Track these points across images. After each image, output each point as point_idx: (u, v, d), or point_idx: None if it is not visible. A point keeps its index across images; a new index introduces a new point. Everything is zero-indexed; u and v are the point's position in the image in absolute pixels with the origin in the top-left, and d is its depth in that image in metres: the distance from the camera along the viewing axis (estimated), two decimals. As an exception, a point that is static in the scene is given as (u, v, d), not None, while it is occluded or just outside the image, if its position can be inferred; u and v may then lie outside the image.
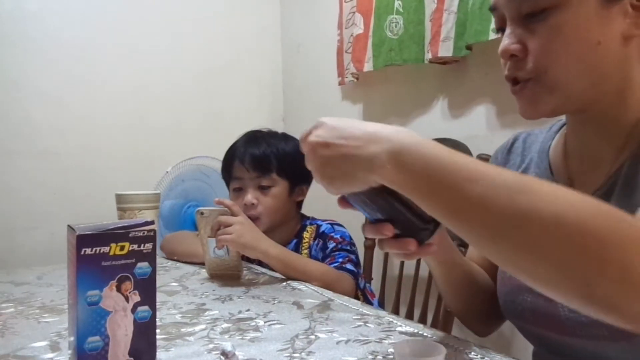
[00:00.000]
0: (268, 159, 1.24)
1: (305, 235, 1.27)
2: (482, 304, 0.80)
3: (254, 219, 1.16)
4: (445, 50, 1.35)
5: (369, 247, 1.54)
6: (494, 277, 0.82)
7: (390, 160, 0.50)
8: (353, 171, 0.53)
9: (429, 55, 1.42)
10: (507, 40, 0.62)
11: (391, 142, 0.50)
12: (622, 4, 0.58)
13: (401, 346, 0.54)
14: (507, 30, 0.63)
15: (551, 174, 0.72)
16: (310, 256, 1.23)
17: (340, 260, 1.15)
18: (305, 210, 1.39)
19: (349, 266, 1.14)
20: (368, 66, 1.62)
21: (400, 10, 1.51)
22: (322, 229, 1.26)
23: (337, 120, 0.55)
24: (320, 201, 1.78)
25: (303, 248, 1.24)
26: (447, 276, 0.77)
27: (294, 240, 1.28)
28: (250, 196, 1.23)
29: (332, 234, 1.23)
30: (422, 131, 1.47)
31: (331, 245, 1.20)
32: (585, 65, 0.60)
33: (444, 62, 1.41)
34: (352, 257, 1.18)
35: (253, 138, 1.29)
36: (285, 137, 1.32)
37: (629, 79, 0.62)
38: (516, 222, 0.44)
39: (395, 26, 1.52)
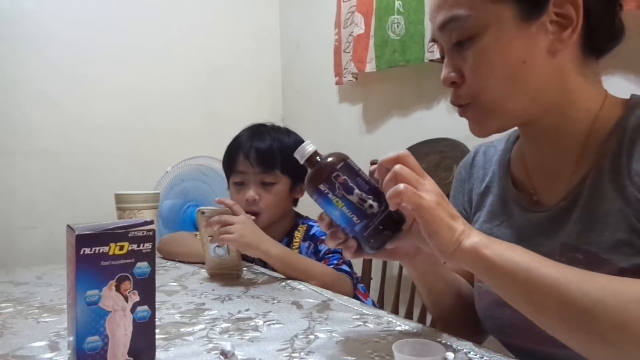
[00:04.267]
0: (273, 155, 1.23)
1: (297, 234, 1.27)
2: (465, 316, 0.80)
3: (254, 215, 1.16)
4: None
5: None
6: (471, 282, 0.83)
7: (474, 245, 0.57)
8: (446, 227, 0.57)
9: (430, 55, 1.41)
10: (445, 70, 0.67)
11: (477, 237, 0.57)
12: (541, 22, 0.61)
13: (401, 346, 0.54)
14: (445, 60, 0.68)
15: (514, 187, 0.74)
16: None
17: (335, 262, 1.15)
18: (301, 209, 1.39)
19: (344, 267, 1.14)
20: (370, 67, 1.62)
21: (401, 10, 1.51)
22: (312, 230, 1.25)
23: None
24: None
25: (294, 247, 1.24)
26: (428, 287, 0.77)
27: (285, 239, 1.27)
28: (252, 192, 1.22)
29: (323, 237, 1.22)
30: (422, 131, 1.48)
31: (323, 248, 1.20)
32: (516, 83, 0.62)
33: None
34: (346, 259, 1.17)
35: (258, 132, 1.27)
36: (287, 132, 1.32)
37: (567, 90, 0.64)
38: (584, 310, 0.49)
39: (397, 27, 1.52)
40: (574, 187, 0.65)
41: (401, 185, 0.56)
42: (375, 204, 0.62)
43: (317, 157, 0.65)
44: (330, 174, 0.62)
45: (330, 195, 0.62)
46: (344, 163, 0.63)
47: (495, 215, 0.76)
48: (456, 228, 0.57)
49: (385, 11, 1.56)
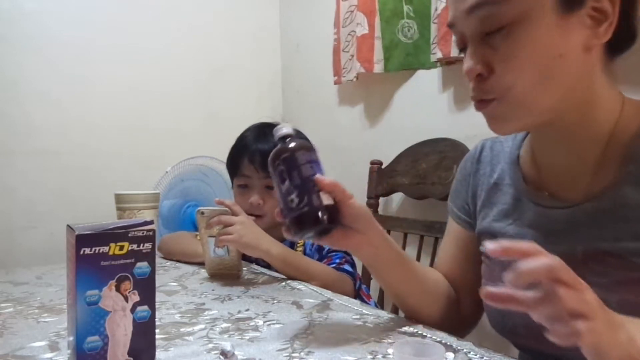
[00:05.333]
0: None
1: None
2: (435, 309, 0.80)
3: (258, 217, 1.16)
4: (458, 50, 1.33)
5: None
6: (464, 287, 0.83)
7: None
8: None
9: (435, 55, 1.41)
10: (470, 61, 0.62)
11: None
12: (580, 15, 0.58)
13: (401, 346, 0.54)
14: (469, 50, 0.63)
15: (525, 184, 0.73)
16: (305, 255, 1.23)
17: (337, 261, 1.15)
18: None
19: (346, 267, 1.14)
20: (378, 67, 1.62)
21: (412, 14, 1.54)
22: None
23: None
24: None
25: (298, 246, 1.24)
26: (385, 277, 0.79)
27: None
28: (256, 196, 1.22)
29: None
30: (422, 131, 1.48)
31: (327, 246, 1.20)
32: (550, 78, 0.59)
33: (448, 62, 1.40)
34: (349, 257, 1.17)
35: (263, 134, 1.25)
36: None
37: (592, 90, 0.62)
38: None
39: (409, 30, 1.54)
40: (602, 192, 0.63)
41: (580, 326, 0.45)
42: (296, 200, 0.67)
43: (286, 139, 0.72)
44: (275, 161, 0.71)
45: (273, 178, 0.72)
46: (288, 154, 0.70)
47: (508, 214, 0.74)
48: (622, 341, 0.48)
49: (393, 14, 1.56)
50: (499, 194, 0.77)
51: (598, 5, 0.58)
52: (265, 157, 1.22)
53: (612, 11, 0.58)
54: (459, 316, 0.83)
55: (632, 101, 0.65)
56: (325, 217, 0.68)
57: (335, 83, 1.82)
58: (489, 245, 0.48)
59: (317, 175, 0.69)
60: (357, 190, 1.67)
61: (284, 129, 0.73)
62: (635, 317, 0.53)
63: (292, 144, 0.71)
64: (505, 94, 0.61)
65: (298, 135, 1.21)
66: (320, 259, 1.18)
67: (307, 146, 0.72)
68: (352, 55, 1.69)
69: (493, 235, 0.76)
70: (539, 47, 0.58)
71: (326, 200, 0.68)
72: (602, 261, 0.62)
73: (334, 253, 1.17)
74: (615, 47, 0.62)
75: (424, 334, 0.72)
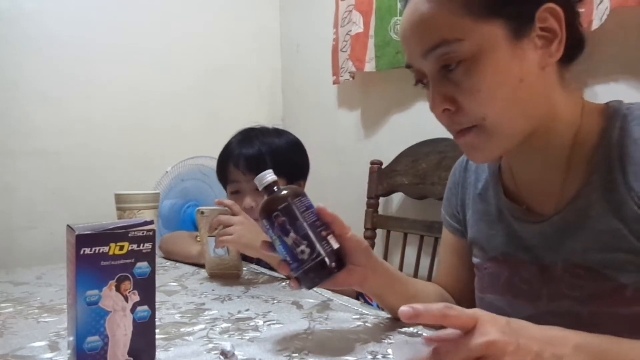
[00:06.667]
0: (262, 160, 1.21)
1: None
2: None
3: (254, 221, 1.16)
4: None
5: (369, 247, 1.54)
6: (466, 295, 0.84)
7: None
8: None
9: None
10: (435, 99, 0.63)
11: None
12: (530, 38, 0.59)
13: (399, 346, 0.54)
14: (431, 87, 0.63)
15: (505, 197, 0.74)
16: None
17: None
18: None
19: None
20: (370, 66, 1.62)
21: None
22: None
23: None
24: (319, 201, 1.77)
25: None
26: (389, 301, 0.77)
27: None
28: (248, 199, 1.22)
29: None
30: (422, 131, 1.48)
31: None
32: (516, 104, 0.61)
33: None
34: None
35: (246, 138, 1.27)
36: (277, 132, 1.31)
37: (552, 103, 0.63)
38: None
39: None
40: (568, 204, 0.65)
41: None
42: (307, 250, 0.63)
43: (274, 188, 0.67)
44: (271, 213, 0.65)
45: (270, 232, 0.66)
46: (287, 204, 0.64)
47: (493, 224, 0.76)
48: None
49: (387, 12, 1.55)
50: (484, 204, 0.78)
51: (545, 26, 0.60)
52: (250, 160, 1.23)
53: (559, 28, 0.60)
54: None
55: (591, 105, 0.66)
56: (336, 263, 0.65)
57: (334, 83, 1.82)
58: (404, 310, 0.49)
59: (322, 211, 0.66)
60: (357, 190, 1.68)
61: (269, 176, 0.69)
62: (606, 327, 0.54)
63: (285, 192, 0.66)
64: (481, 124, 0.62)
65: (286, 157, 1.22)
66: None
67: (299, 191, 0.68)
68: (349, 55, 1.69)
69: (479, 244, 0.78)
70: (499, 77, 0.59)
71: (335, 244, 0.66)
72: (575, 274, 0.63)
73: None
74: (568, 57, 0.63)
75: (424, 334, 0.72)
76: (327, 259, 0.64)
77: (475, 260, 0.80)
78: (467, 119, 0.62)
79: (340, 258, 0.67)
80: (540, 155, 0.67)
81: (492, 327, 0.48)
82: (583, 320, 0.62)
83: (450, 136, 0.67)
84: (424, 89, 0.67)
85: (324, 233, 0.65)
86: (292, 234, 0.64)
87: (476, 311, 0.50)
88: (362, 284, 0.73)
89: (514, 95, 0.60)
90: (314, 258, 0.64)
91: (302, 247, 0.63)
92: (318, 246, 0.64)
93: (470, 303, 0.83)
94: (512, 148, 0.65)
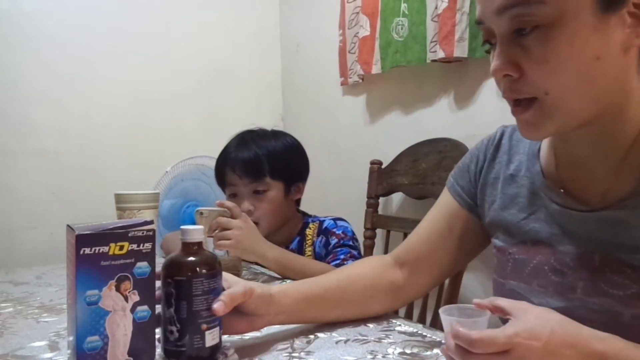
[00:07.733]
0: (259, 163, 1.22)
1: (308, 232, 1.27)
2: (373, 306, 0.81)
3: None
4: (461, 50, 1.32)
5: (369, 247, 1.54)
6: (431, 263, 0.82)
7: None
8: None
9: (432, 55, 1.40)
10: (498, 60, 0.59)
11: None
12: (620, 14, 0.55)
13: (450, 310, 0.56)
14: (498, 48, 0.59)
15: (543, 177, 0.70)
16: (315, 253, 1.23)
17: (342, 257, 1.15)
18: (305, 209, 1.39)
19: (350, 263, 1.14)
20: (376, 68, 1.62)
21: (406, 12, 1.51)
22: (325, 224, 1.26)
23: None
24: (319, 201, 1.78)
25: (307, 245, 1.24)
26: (312, 320, 0.77)
27: (297, 238, 1.27)
28: (246, 203, 1.22)
29: (334, 230, 1.23)
30: (423, 131, 1.48)
31: (333, 241, 1.20)
32: (585, 83, 0.56)
33: (447, 60, 1.40)
34: (354, 252, 1.18)
35: (243, 141, 1.27)
36: (275, 134, 1.31)
37: (628, 91, 0.59)
38: None
39: (401, 28, 1.52)
40: (622, 199, 0.60)
41: None
42: (176, 335, 0.60)
43: (194, 247, 0.62)
44: (167, 277, 0.61)
45: (161, 285, 0.61)
46: (184, 279, 0.59)
47: (523, 207, 0.72)
48: None
49: (390, 13, 1.55)
50: (513, 186, 0.74)
51: None
52: (246, 164, 1.24)
53: None
54: (400, 294, 0.83)
55: None
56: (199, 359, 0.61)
57: (342, 84, 1.82)
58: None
59: (216, 307, 0.60)
60: (357, 190, 1.68)
61: (196, 234, 0.62)
62: None
63: (193, 264, 0.61)
64: (542, 97, 0.57)
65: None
66: (327, 254, 1.19)
67: (212, 271, 0.61)
68: (357, 57, 1.70)
69: (506, 227, 0.74)
70: (574, 50, 0.55)
71: (210, 341, 0.60)
72: (620, 271, 0.60)
73: (339, 249, 1.18)
74: None
75: (423, 333, 0.72)
76: (188, 353, 0.60)
77: (498, 243, 0.75)
78: (528, 90, 0.58)
79: (213, 354, 0.61)
80: (598, 141, 0.62)
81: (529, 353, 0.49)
82: (623, 321, 0.59)
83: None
84: (490, 49, 0.62)
85: (204, 326, 0.60)
86: (171, 310, 0.60)
87: (513, 336, 0.49)
88: (268, 325, 0.72)
89: (586, 73, 0.55)
90: (178, 345, 0.60)
91: (172, 328, 0.60)
92: (186, 338, 0.59)
93: (430, 269, 0.82)
94: (570, 130, 0.61)
